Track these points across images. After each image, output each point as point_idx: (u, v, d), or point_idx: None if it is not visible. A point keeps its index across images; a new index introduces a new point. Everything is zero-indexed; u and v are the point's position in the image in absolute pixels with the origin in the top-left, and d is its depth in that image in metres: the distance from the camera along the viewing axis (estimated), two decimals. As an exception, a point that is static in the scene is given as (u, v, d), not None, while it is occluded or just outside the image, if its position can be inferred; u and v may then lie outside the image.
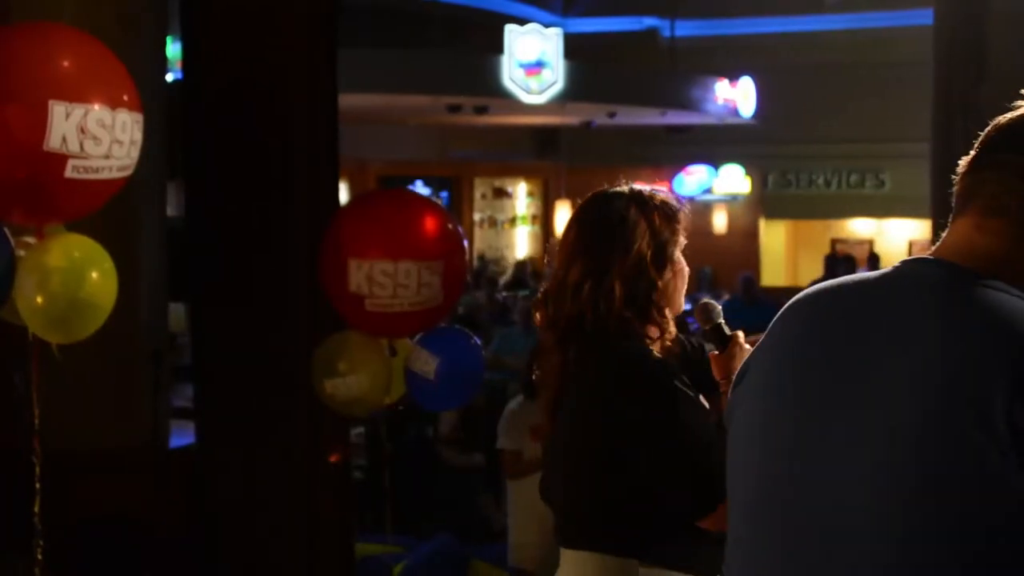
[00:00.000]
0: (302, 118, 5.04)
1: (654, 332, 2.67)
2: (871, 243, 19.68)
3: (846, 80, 18.40)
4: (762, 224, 20.44)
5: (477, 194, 20.46)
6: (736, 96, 17.50)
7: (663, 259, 2.67)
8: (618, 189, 2.78)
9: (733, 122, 17.97)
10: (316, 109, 5.09)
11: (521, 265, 18.86)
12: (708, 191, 19.82)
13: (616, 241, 2.66)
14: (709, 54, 19.45)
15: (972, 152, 1.70)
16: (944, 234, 1.71)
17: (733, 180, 19.74)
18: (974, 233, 1.66)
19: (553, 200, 19.35)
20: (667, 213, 2.72)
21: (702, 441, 2.52)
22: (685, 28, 20.11)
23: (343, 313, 4.34)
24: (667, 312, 2.69)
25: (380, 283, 4.10)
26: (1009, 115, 1.70)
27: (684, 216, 2.75)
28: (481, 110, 16.06)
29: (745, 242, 19.92)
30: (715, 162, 19.53)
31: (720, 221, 19.98)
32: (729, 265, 17.61)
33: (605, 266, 2.64)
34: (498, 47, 15.53)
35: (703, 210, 19.90)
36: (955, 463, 1.49)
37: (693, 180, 19.71)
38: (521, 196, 20.47)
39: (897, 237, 20.24)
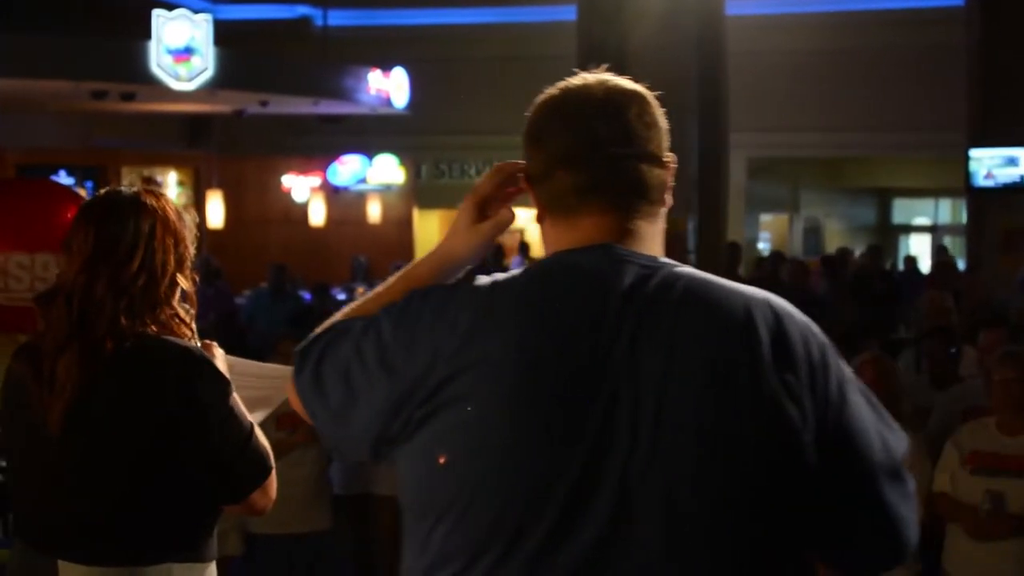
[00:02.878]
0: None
1: (184, 333, 2.71)
2: (522, 232, 20.21)
3: (498, 72, 18.81)
4: (416, 214, 20.67)
5: (125, 183, 19.75)
6: (389, 87, 17.61)
7: (183, 267, 2.73)
8: (134, 191, 2.76)
9: (386, 112, 18.08)
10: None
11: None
12: (362, 181, 19.86)
13: (148, 255, 2.67)
14: (362, 44, 19.50)
15: (571, 137, 1.79)
16: (572, 230, 1.80)
17: (387, 170, 19.85)
18: (615, 224, 1.79)
19: (205, 190, 18.94)
20: (182, 219, 2.76)
21: (243, 427, 2.65)
22: (339, 17, 20.07)
23: (-25, 309, 4.11)
24: (186, 317, 2.73)
25: (16, 276, 3.91)
26: (576, 95, 1.82)
27: (192, 223, 2.81)
28: (128, 97, 15.55)
29: (399, 231, 20.10)
30: (369, 152, 19.60)
31: (374, 211, 20.07)
32: (384, 254, 17.74)
33: (139, 282, 2.65)
34: (145, 32, 15.07)
35: (357, 200, 19.95)
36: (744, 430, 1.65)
37: (347, 170, 19.72)
38: (172, 186, 19.94)
39: (545, 226, 20.86)
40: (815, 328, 1.75)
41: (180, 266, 2.72)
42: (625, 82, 1.86)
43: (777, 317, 1.70)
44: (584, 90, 1.82)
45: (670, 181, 1.85)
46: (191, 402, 2.58)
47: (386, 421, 1.72)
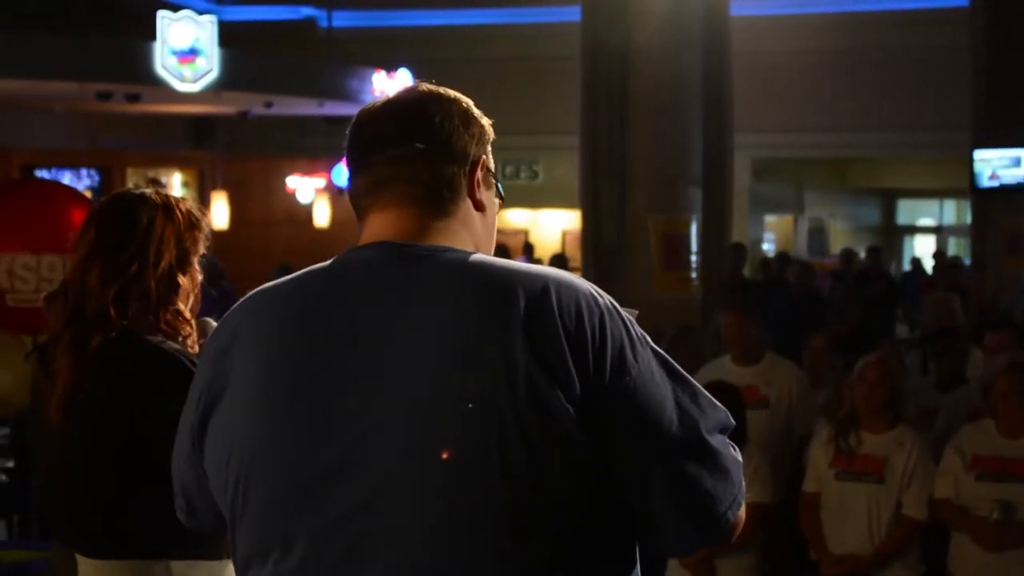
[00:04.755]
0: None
1: (185, 330, 2.73)
2: (526, 233, 20.22)
3: (501, 73, 18.82)
4: (421, 214, 20.67)
5: (130, 184, 19.76)
6: (393, 87, 17.59)
7: (186, 265, 2.76)
8: (145, 193, 2.81)
9: (391, 113, 18.08)
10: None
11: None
12: (367, 182, 19.86)
13: (142, 247, 2.70)
14: (367, 45, 19.51)
15: (357, 148, 1.87)
16: (367, 227, 1.83)
17: (392, 171, 19.85)
18: (399, 221, 1.80)
19: (209, 191, 18.95)
20: (191, 222, 2.79)
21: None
22: (343, 19, 20.08)
23: (-19, 309, 4.13)
24: (187, 314, 2.76)
25: (22, 277, 3.93)
26: (374, 105, 1.90)
27: (206, 226, 2.85)
28: (133, 98, 15.57)
29: (404, 232, 20.08)
30: (374, 153, 19.59)
31: (379, 212, 20.07)
32: (389, 255, 17.68)
33: (131, 270, 2.68)
34: (150, 33, 15.08)
35: (363, 201, 19.94)
36: (477, 432, 1.61)
37: (352, 171, 19.72)
38: (176, 187, 19.95)
39: (551, 227, 20.88)
40: (600, 299, 1.72)
41: (181, 263, 2.74)
42: (428, 88, 1.90)
43: (543, 291, 1.67)
44: (375, 101, 1.91)
45: (478, 179, 1.87)
46: (160, 403, 2.57)
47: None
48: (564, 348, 1.64)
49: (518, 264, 1.75)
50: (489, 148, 1.93)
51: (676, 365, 1.76)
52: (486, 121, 1.92)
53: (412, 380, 1.64)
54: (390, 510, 1.61)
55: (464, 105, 1.89)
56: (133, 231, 2.69)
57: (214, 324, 2.78)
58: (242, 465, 1.72)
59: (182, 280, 2.73)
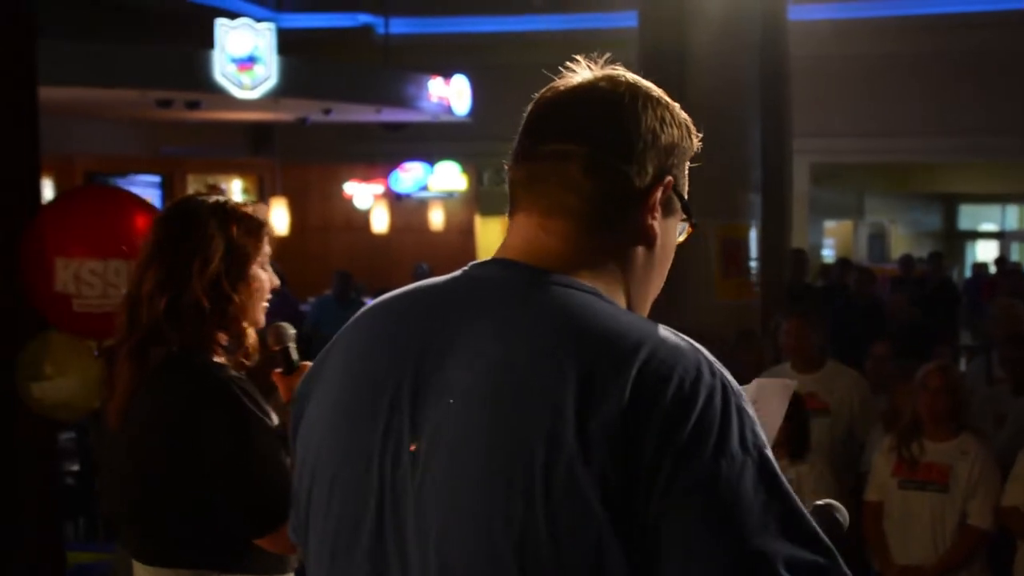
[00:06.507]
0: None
1: (230, 345, 2.70)
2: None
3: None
4: (478, 220, 20.71)
5: (190, 191, 19.99)
6: (450, 94, 17.66)
7: (239, 275, 2.68)
8: (203, 199, 2.75)
9: (448, 119, 18.13)
10: (13, 102, 4.86)
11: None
12: (424, 188, 19.92)
13: (191, 254, 2.65)
14: (424, 52, 19.57)
15: (522, 134, 1.58)
16: (510, 230, 1.56)
17: (449, 177, 19.90)
18: (539, 233, 1.51)
19: (268, 197, 19.08)
20: (249, 228, 2.72)
21: (266, 462, 2.54)
22: (400, 25, 20.16)
23: (48, 314, 4.17)
24: (243, 326, 2.70)
25: (88, 283, 3.97)
26: (552, 90, 1.59)
27: (269, 230, 2.75)
28: (193, 105, 15.71)
29: (462, 239, 20.13)
30: (431, 159, 19.67)
31: (437, 218, 20.13)
32: (446, 261, 17.73)
33: (179, 278, 2.64)
34: (209, 42, 15.22)
35: (419, 207, 20.00)
36: (524, 474, 1.33)
37: (409, 177, 19.78)
38: (236, 193, 20.11)
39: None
40: (706, 375, 1.35)
41: (237, 271, 2.67)
42: (626, 79, 1.57)
43: (623, 354, 1.33)
44: (564, 81, 1.59)
45: (656, 201, 1.53)
46: (195, 426, 2.55)
47: None
48: (618, 423, 1.30)
49: (629, 320, 1.41)
50: (686, 167, 1.58)
51: (797, 507, 1.34)
52: (690, 132, 1.58)
53: (447, 423, 1.41)
54: (403, 555, 1.43)
55: (664, 108, 1.55)
56: (184, 239, 2.66)
57: (291, 328, 2.78)
58: (308, 479, 1.56)
59: (241, 288, 2.68)
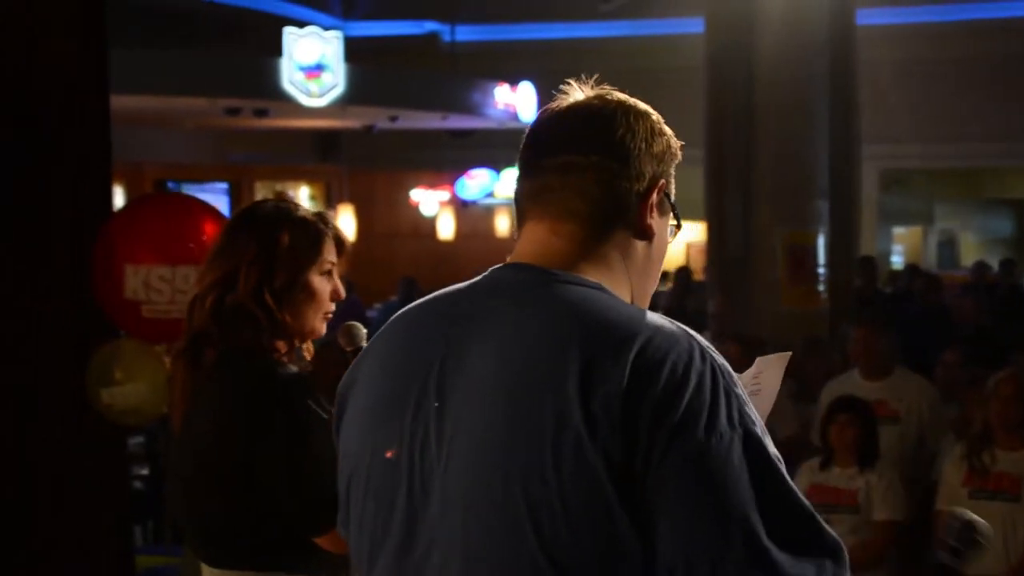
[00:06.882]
0: (70, 120, 4.87)
1: (283, 350, 2.68)
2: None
3: (624, 85, 18.64)
4: (543, 227, 20.72)
5: (258, 198, 20.09)
6: (516, 101, 17.68)
7: (291, 281, 2.67)
8: (264, 205, 2.77)
9: (514, 126, 18.15)
10: (85, 111, 4.92)
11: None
12: (490, 195, 19.97)
13: (239, 258, 2.66)
14: (490, 59, 19.61)
15: (525, 151, 1.76)
16: (520, 237, 1.75)
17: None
18: (551, 237, 1.70)
19: (336, 204, 19.21)
20: (305, 234, 2.71)
21: (321, 460, 2.50)
22: (466, 33, 20.22)
23: (118, 320, 4.21)
24: (295, 333, 2.70)
25: (158, 289, 4.00)
26: (550, 111, 1.78)
27: (330, 237, 2.73)
28: (261, 113, 15.85)
29: (527, 245, 20.14)
30: (497, 166, 19.70)
31: (503, 225, 20.16)
32: (512, 268, 17.73)
33: (228, 281, 2.65)
34: (277, 50, 15.35)
35: (486, 214, 20.05)
36: (537, 451, 1.48)
37: (475, 184, 19.84)
38: (303, 200, 20.26)
39: (675, 240, 20.73)
40: (697, 359, 1.51)
41: (292, 280, 2.66)
42: (616, 97, 1.79)
43: (622, 341, 1.50)
44: (558, 103, 1.78)
45: (652, 203, 1.71)
46: (249, 425, 2.56)
47: None
48: (613, 408, 1.47)
49: (628, 311, 1.59)
50: (672, 171, 1.75)
51: (783, 482, 1.50)
52: (674, 141, 1.76)
53: (464, 409, 1.58)
54: (430, 539, 1.59)
55: (652, 120, 1.75)
56: (235, 244, 2.68)
57: (363, 329, 2.79)
58: (348, 473, 1.73)
59: (295, 294, 2.67)
